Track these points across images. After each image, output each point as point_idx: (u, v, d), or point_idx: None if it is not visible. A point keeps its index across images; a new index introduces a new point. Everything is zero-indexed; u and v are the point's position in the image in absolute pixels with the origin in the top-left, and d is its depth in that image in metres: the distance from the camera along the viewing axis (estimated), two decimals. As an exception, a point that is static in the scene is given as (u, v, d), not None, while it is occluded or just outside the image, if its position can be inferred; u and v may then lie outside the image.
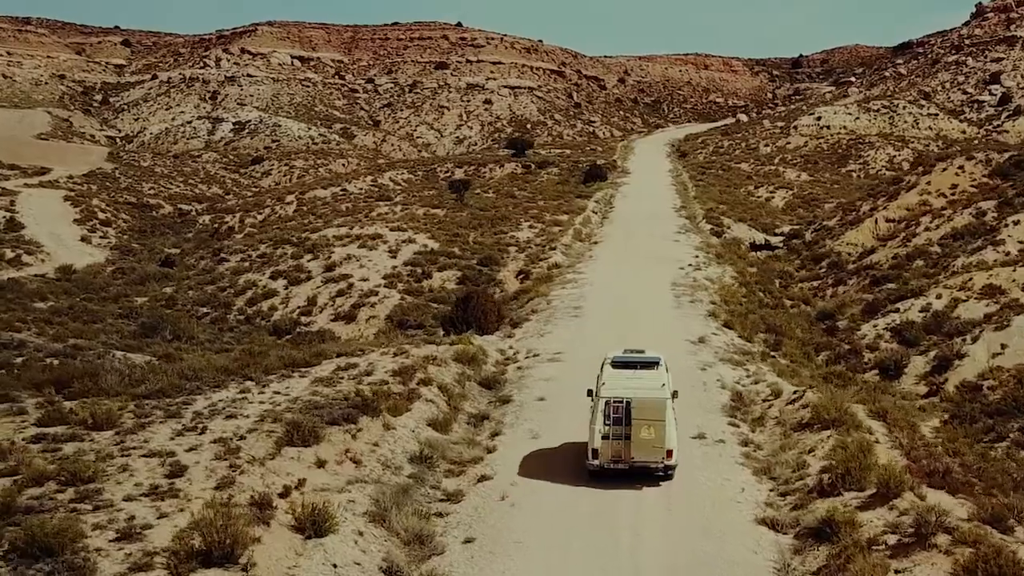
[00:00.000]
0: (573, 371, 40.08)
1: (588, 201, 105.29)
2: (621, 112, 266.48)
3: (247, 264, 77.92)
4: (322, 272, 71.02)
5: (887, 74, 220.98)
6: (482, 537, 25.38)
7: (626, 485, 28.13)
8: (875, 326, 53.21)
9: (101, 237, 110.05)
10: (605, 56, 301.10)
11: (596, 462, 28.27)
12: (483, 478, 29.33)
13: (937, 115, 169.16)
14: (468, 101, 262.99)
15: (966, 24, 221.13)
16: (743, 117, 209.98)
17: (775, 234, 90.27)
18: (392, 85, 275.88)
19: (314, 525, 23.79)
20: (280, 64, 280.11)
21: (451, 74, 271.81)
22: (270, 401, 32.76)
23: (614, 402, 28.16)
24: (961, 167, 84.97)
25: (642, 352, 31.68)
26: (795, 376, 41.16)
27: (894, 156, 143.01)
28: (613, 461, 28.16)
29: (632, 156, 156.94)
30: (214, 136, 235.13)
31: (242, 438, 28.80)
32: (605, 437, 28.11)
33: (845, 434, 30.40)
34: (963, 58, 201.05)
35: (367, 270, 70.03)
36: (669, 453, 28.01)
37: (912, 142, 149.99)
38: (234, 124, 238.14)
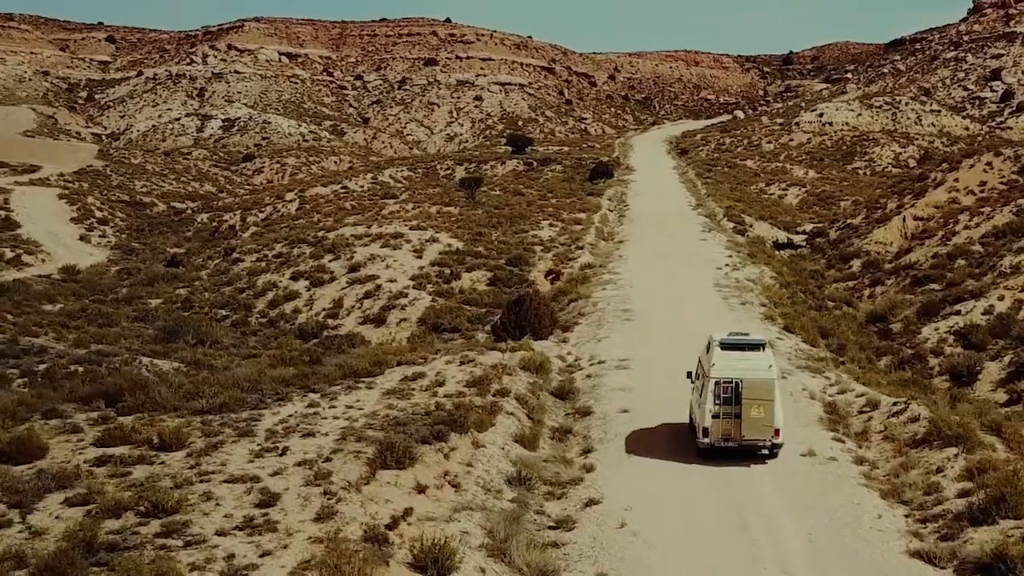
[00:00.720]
0: (647, 380, 38.12)
1: (601, 199, 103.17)
2: (612, 109, 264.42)
3: (264, 264, 75.40)
4: (346, 273, 68.56)
5: (885, 70, 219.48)
6: (614, 572, 23.06)
7: (737, 463, 29.37)
8: (936, 329, 51.07)
9: (100, 236, 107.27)
10: (595, 53, 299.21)
11: (706, 440, 29.41)
12: (591, 502, 27.09)
13: (940, 112, 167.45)
14: (458, 98, 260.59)
15: (964, 20, 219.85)
16: (740, 114, 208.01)
17: (797, 232, 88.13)
18: (381, 82, 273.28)
19: (436, 563, 21.54)
20: (268, 61, 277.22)
21: (441, 71, 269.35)
22: (344, 416, 30.45)
23: (724, 382, 29.24)
24: (989, 164, 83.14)
25: (747, 335, 32.62)
26: (877, 385, 38.91)
27: (900, 153, 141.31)
28: (723, 439, 29.32)
29: (633, 153, 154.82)
30: (203, 133, 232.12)
31: (328, 460, 26.51)
32: (715, 416, 29.21)
33: (973, 452, 28.18)
34: (962, 54, 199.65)
35: (393, 271, 67.62)
36: (777, 432, 29.16)
37: (917, 139, 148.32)
38: (223, 121, 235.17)
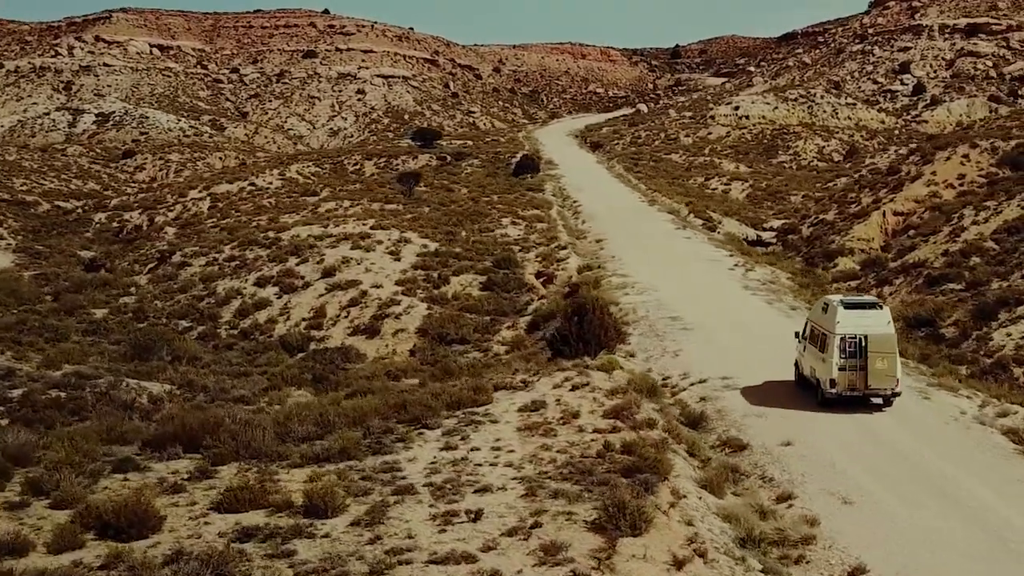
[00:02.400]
0: (773, 400, 33.46)
1: (543, 195, 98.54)
2: (500, 102, 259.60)
3: (217, 269, 68.97)
4: (320, 278, 62.67)
5: (791, 64, 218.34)
6: None
7: (858, 410, 32.73)
8: (1009, 335, 47.08)
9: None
10: (478, 45, 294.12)
11: (833, 391, 32.80)
12: (859, 571, 22.05)
13: (855, 105, 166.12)
14: (340, 91, 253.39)
15: (866, 13, 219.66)
16: (643, 107, 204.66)
17: (764, 229, 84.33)
18: (258, 75, 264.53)
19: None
20: (139, 53, 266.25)
21: (321, 63, 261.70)
22: (502, 462, 25.13)
23: (849, 338, 32.80)
24: (966, 156, 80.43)
25: (862, 297, 37.94)
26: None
27: (823, 147, 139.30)
28: (849, 389, 32.81)
29: (544, 147, 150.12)
30: (76, 128, 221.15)
31: (537, 526, 21.34)
32: (842, 369, 32.69)
33: None
34: (869, 47, 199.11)
35: (374, 275, 61.90)
36: (897, 381, 32.83)
37: (837, 132, 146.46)
38: (97, 116, 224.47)
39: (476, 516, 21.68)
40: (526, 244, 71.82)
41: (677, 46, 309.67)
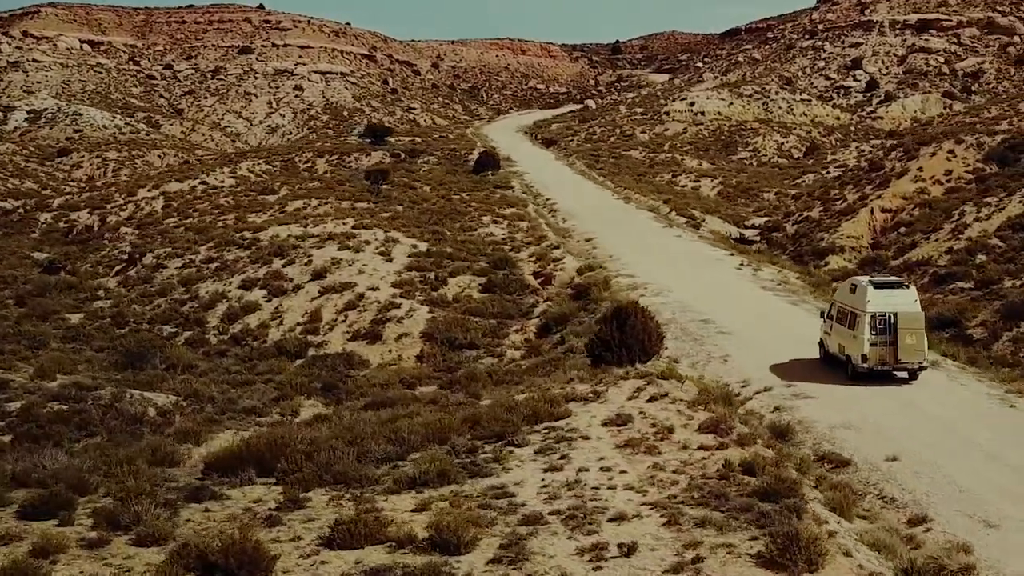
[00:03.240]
0: (856, 407, 31.55)
1: (513, 193, 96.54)
2: (440, 99, 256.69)
3: (195, 271, 66.10)
4: (310, 280, 60.11)
5: (740, 59, 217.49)
6: None
7: (887, 383, 35.12)
8: (1049, 337, 45.69)
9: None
10: (416, 40, 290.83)
11: (865, 365, 35.18)
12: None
13: (810, 101, 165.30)
14: (277, 88, 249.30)
15: (815, 8, 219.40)
16: (591, 103, 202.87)
17: (746, 227, 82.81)
18: (193, 71, 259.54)
19: None
20: (68, 49, 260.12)
21: (257, 59, 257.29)
22: (619, 484, 23.07)
23: (879, 316, 35.06)
24: (952, 152, 79.45)
25: (890, 278, 40.79)
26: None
27: (782, 143, 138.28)
28: (880, 364, 35.15)
29: (496, 144, 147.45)
30: (7, 126, 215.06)
31: (699, 560, 19.27)
32: (873, 345, 35.00)
33: None
34: (819, 43, 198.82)
35: (367, 276, 59.48)
36: (924, 355, 35.40)
37: (795, 129, 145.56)
38: (28, 113, 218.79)
39: (630, 550, 19.55)
40: (514, 244, 69.78)
41: (617, 42, 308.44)
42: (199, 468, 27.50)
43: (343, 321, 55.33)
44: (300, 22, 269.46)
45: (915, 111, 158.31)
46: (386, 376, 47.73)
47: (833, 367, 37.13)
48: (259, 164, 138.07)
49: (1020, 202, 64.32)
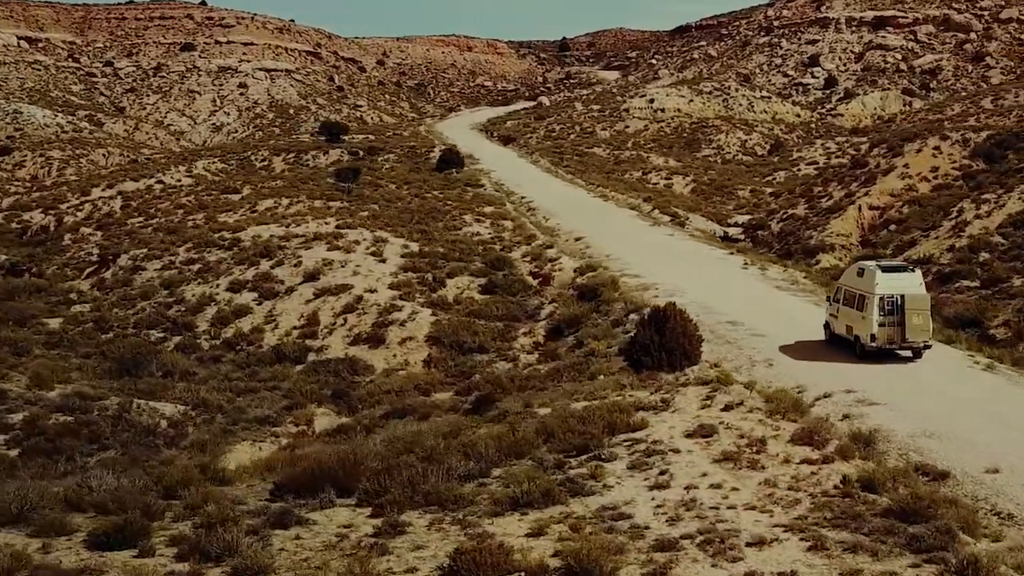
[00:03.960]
0: (932, 415, 30.01)
1: (485, 191, 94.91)
2: (387, 96, 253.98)
3: (177, 273, 63.76)
4: (303, 282, 58.07)
5: (696, 56, 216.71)
6: None
7: (894, 361, 37.02)
8: (1081, 337, 44.62)
9: None
10: (360, 37, 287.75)
11: (874, 344, 36.97)
12: None
13: (770, 98, 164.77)
14: (221, 85, 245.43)
15: (771, 5, 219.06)
16: (545, 100, 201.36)
17: (729, 225, 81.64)
18: (134, 68, 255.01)
19: None
20: (5, 46, 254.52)
21: (200, 56, 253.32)
22: (739, 504, 21.53)
23: (887, 298, 36.94)
24: (937, 148, 78.67)
25: (895, 262, 44.43)
26: None
27: (746, 140, 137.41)
28: (888, 343, 36.97)
29: (454, 142, 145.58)
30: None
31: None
32: (881, 325, 36.83)
33: None
34: (776, 40, 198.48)
35: (363, 278, 57.55)
36: (929, 334, 37.34)
37: (757, 126, 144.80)
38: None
39: (792, 578, 17.95)
40: (504, 243, 68.10)
41: (564, 39, 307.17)
42: (259, 487, 25.60)
43: (342, 324, 53.38)
44: (244, 19, 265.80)
45: (875, 108, 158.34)
46: (400, 382, 45.95)
47: (839, 347, 39.02)
48: (215, 163, 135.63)
49: (1020, 199, 63.39)
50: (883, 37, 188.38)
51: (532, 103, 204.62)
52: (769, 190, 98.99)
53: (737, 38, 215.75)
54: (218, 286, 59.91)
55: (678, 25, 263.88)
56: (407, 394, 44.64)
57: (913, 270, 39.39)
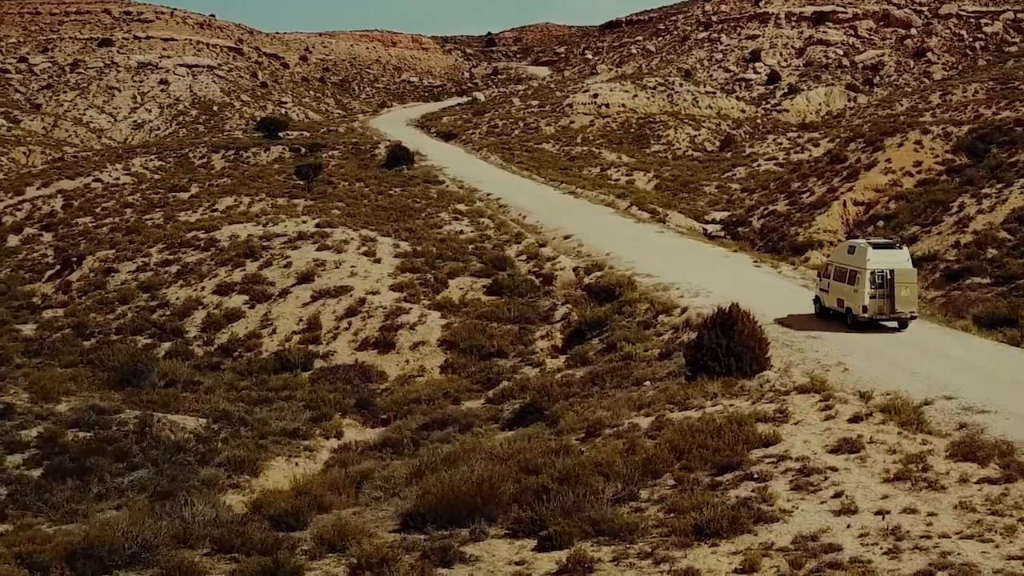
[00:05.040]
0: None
1: (446, 188, 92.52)
2: (311, 92, 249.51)
3: (153, 275, 60.58)
4: (296, 283, 55.27)
5: (634, 51, 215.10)
6: None
7: (882, 331, 39.72)
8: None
9: None
10: (283, 33, 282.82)
11: (866, 315, 39.67)
12: None
13: (715, 93, 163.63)
14: (141, 82, 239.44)
15: (708, 0, 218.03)
16: (479, 96, 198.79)
17: (707, 221, 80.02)
18: (50, 64, 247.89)
19: None
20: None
21: (118, 52, 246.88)
22: (951, 532, 19.57)
23: (878, 272, 39.58)
24: (919, 142, 77.55)
25: (884, 239, 46.27)
26: None
27: (695, 136, 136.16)
28: (878, 314, 39.72)
29: (394, 138, 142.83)
30: None
31: None
32: (872, 297, 39.50)
33: None
34: (715, 35, 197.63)
35: (361, 279, 54.97)
36: (916, 306, 40.52)
37: (704, 121, 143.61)
38: None
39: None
40: (494, 242, 65.72)
41: (490, 34, 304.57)
42: (387, 513, 23.06)
43: (347, 328, 50.77)
44: (163, 14, 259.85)
45: (820, 104, 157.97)
46: (427, 390, 43.33)
47: (829, 319, 41.64)
48: (152, 160, 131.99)
49: (1021, 193, 62.37)
50: (824, 32, 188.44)
51: (466, 99, 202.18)
52: (735, 186, 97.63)
53: (675, 33, 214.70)
54: (203, 289, 57.06)
55: (607, 20, 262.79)
56: (437, 403, 42.12)
57: (901, 247, 42.62)
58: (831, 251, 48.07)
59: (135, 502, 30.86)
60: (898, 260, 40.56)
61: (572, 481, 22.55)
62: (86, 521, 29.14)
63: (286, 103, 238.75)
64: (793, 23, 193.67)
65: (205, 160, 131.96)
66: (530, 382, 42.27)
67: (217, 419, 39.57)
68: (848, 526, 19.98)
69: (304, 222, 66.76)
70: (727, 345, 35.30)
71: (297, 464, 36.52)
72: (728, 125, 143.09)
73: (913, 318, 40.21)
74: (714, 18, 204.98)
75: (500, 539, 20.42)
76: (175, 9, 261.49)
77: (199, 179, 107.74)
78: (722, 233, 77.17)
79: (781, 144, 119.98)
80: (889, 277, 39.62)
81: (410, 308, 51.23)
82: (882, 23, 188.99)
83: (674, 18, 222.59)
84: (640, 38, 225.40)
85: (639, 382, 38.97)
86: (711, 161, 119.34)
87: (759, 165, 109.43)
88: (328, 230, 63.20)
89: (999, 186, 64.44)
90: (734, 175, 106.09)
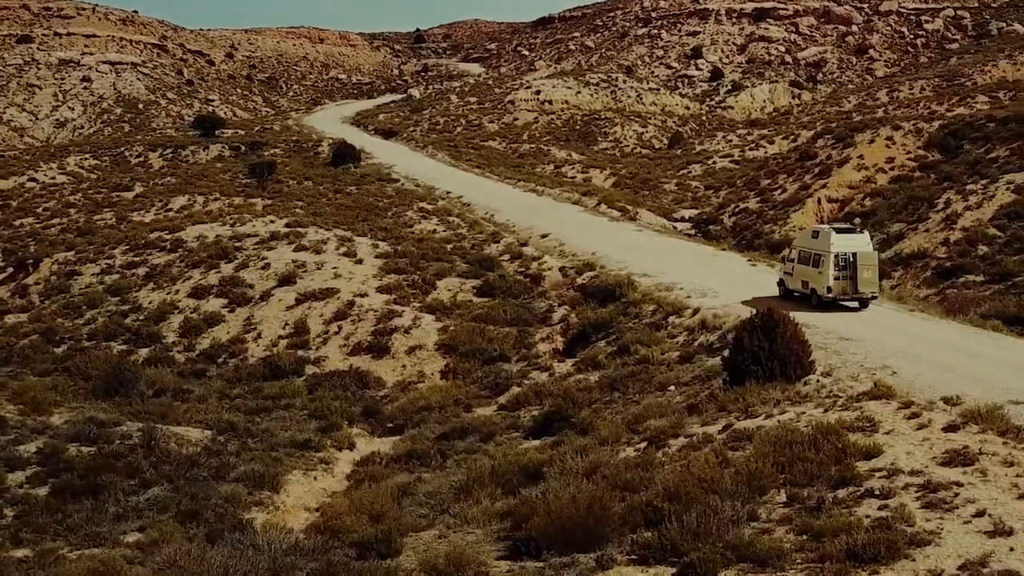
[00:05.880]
0: None
1: (402, 186, 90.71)
2: (238, 90, 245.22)
3: (120, 278, 57.97)
4: (277, 285, 53.01)
5: (572, 47, 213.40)
6: None
7: (845, 310, 42.14)
8: None
9: None
10: (207, 29, 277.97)
11: (830, 295, 41.93)
12: None
13: (659, 90, 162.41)
14: (63, 79, 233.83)
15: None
16: (415, 92, 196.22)
17: (675, 219, 78.74)
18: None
19: None
20: None
21: (38, 49, 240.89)
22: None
23: (842, 255, 41.85)
24: (890, 138, 76.83)
25: (846, 224, 49.45)
26: None
27: (642, 133, 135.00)
28: (842, 294, 42.05)
29: (332, 136, 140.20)
30: None
31: None
32: (836, 279, 41.77)
33: None
34: (655, 31, 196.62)
35: (345, 280, 52.86)
36: (878, 287, 42.94)
37: (650, 118, 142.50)
38: None
39: None
40: (469, 241, 63.85)
41: (419, 30, 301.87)
42: (477, 536, 21.15)
43: (336, 333, 48.70)
44: (84, 9, 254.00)
45: (764, 100, 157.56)
46: (436, 397, 41.38)
47: (794, 300, 43.48)
48: (87, 159, 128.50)
49: (1008, 189, 61.69)
50: (765, 29, 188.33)
51: (401, 96, 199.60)
52: (695, 183, 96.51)
53: (613, 29, 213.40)
54: (177, 292, 54.62)
55: (539, 17, 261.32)
56: (448, 410, 40.22)
57: (863, 231, 44.77)
58: (796, 236, 50.42)
59: (160, 523, 28.80)
60: (860, 244, 42.64)
61: (682, 499, 20.79)
62: (112, 545, 27.08)
63: (213, 101, 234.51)
64: (734, 19, 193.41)
65: (142, 159, 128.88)
66: (545, 388, 40.66)
67: (222, 430, 37.35)
68: (1011, 549, 18.41)
69: (272, 222, 64.50)
70: (770, 348, 33.74)
71: (315, 478, 34.54)
72: (674, 122, 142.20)
73: (874, 298, 42.46)
74: (653, 14, 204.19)
75: (631, 566, 18.66)
76: (96, 5, 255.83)
77: (141, 178, 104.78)
78: (692, 231, 75.87)
79: (732, 141, 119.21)
80: (852, 260, 41.75)
81: (402, 311, 49.23)
82: (823, 20, 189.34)
83: (612, 14, 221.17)
84: (577, 34, 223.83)
85: (663, 387, 37.59)
86: (662, 158, 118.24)
87: (715, 163, 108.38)
88: (301, 230, 61.04)
89: (984, 182, 63.65)
90: (690, 172, 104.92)
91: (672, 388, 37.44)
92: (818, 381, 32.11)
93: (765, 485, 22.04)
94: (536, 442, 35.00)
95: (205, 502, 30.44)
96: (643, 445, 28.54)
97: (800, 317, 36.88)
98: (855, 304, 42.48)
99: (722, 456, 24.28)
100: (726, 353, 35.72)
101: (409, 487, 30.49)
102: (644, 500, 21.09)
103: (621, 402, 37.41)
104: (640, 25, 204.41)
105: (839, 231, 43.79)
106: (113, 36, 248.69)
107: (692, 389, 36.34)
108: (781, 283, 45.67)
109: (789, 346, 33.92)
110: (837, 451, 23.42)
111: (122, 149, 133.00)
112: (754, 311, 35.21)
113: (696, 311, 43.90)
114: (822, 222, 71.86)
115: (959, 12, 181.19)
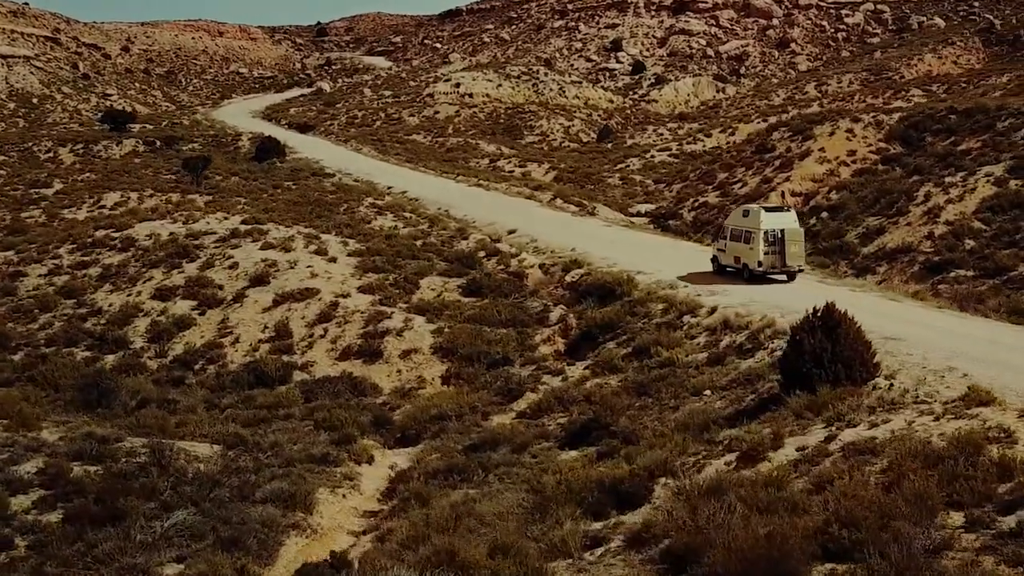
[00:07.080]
0: None
1: (339, 180, 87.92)
2: (137, 84, 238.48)
3: (71, 279, 54.34)
4: (249, 286, 49.86)
5: (487, 39, 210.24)
6: None
7: (774, 283, 45.68)
8: None
9: None
10: (102, 22, 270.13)
11: (760, 269, 45.54)
12: None
13: (581, 83, 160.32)
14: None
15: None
16: (324, 86, 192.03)
17: (631, 214, 76.85)
18: None
19: None
20: None
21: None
22: None
23: (771, 232, 45.41)
24: (851, 131, 75.74)
25: (774, 204, 56.10)
26: None
27: (568, 127, 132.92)
28: (771, 268, 45.54)
29: (245, 129, 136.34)
30: None
31: None
32: (766, 254, 45.40)
33: None
34: (573, 24, 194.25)
35: (323, 280, 49.83)
36: (804, 260, 46.59)
37: (575, 112, 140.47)
38: None
39: None
40: (437, 238, 61.32)
41: (321, 24, 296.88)
42: (627, 561, 18.66)
43: (323, 336, 45.76)
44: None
45: (688, 94, 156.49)
46: (451, 405, 38.67)
47: (726, 275, 47.37)
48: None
49: (988, 182, 60.68)
50: (685, 22, 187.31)
51: (310, 89, 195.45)
52: (638, 177, 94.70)
53: (529, 21, 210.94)
54: (140, 293, 51.13)
55: (446, 9, 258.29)
56: (465, 419, 37.59)
57: (789, 209, 49.42)
58: (730, 215, 52.61)
59: (199, 551, 25.94)
60: (787, 221, 46.18)
61: (861, 526, 18.51)
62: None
63: (111, 95, 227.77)
64: (653, 12, 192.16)
65: (52, 154, 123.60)
66: (568, 394, 38.16)
67: (231, 445, 34.33)
68: None
69: (226, 218, 61.22)
70: (832, 350, 31.65)
71: (344, 496, 31.75)
72: (599, 115, 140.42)
73: (800, 271, 45.96)
74: (570, 6, 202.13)
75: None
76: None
77: (57, 174, 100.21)
78: (651, 226, 74.03)
79: (663, 135, 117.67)
80: (780, 236, 45.16)
81: (391, 312, 46.43)
82: (743, 13, 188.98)
83: (526, 6, 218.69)
84: (490, 27, 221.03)
85: (697, 392, 35.42)
86: (595, 152, 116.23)
87: (653, 156, 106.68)
88: (262, 227, 57.89)
89: (962, 174, 62.59)
90: (629, 166, 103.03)
91: (708, 392, 35.38)
92: (895, 385, 30.00)
93: (934, 507, 19.82)
94: (574, 452, 32.66)
95: (241, 527, 27.54)
96: (731, 458, 26.23)
97: (737, 289, 43.98)
98: (783, 277, 45.74)
99: (860, 473, 21.99)
100: (778, 355, 33.69)
101: (461, 507, 27.81)
102: (814, 526, 18.74)
103: (657, 408, 35.16)
104: (557, 17, 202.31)
105: (768, 210, 47.29)
106: (4, 29, 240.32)
107: (733, 394, 34.29)
108: (715, 259, 48.93)
109: (853, 347, 31.89)
110: (999, 466, 21.28)
111: (29, 144, 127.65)
112: (811, 309, 32.74)
113: (713, 310, 41.77)
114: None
115: (879, 6, 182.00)
